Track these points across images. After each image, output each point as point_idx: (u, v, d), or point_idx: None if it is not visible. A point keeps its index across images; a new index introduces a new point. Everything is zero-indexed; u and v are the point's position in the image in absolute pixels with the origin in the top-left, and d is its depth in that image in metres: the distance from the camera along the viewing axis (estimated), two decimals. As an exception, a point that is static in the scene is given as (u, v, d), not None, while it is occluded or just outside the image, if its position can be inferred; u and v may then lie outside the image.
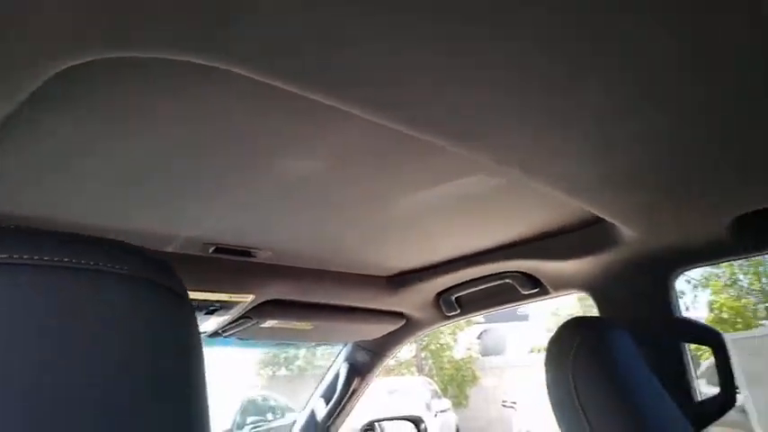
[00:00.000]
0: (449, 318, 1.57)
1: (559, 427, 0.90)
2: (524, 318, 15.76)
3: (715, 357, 1.17)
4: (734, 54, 0.56)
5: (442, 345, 11.35)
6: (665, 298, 1.27)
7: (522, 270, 1.41)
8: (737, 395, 1.21)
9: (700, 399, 1.21)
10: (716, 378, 1.20)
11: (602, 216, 1.05)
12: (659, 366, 0.95)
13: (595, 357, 0.88)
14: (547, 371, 0.93)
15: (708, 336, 1.20)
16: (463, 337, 11.46)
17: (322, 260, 1.25)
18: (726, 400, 1.15)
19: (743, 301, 11.38)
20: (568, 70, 0.57)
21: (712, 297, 11.93)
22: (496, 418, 9.98)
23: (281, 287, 1.25)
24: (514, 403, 7.21)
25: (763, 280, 12.33)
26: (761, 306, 11.50)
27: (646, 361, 0.93)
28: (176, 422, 0.35)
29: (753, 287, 12.10)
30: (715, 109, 0.67)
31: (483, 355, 11.70)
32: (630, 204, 1.00)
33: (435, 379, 10.67)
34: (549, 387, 0.92)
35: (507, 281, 1.43)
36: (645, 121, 0.68)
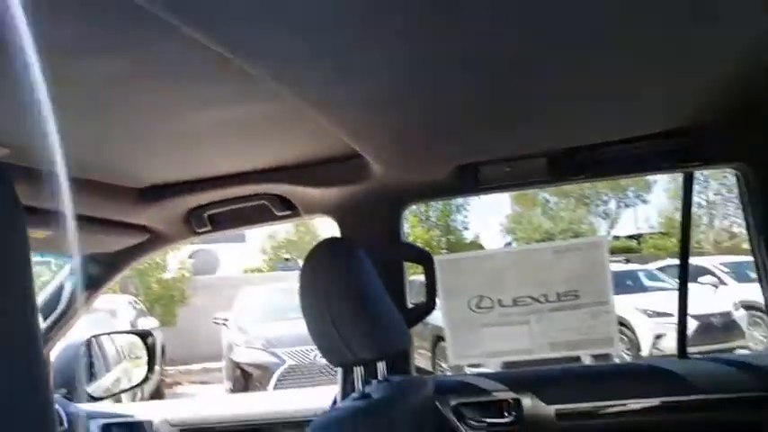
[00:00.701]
0: (198, 233, 1.60)
1: (311, 335, 1.07)
2: (241, 239, 16.12)
3: (425, 273, 1.51)
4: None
5: (150, 264, 10.88)
6: (395, 226, 1.57)
7: (277, 193, 1.53)
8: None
9: (410, 305, 1.56)
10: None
11: (355, 148, 1.24)
12: (386, 280, 1.20)
13: (342, 274, 1.07)
14: (301, 286, 1.08)
15: (423, 257, 1.54)
16: (173, 256, 11.19)
17: (68, 166, 1.15)
18: (429, 306, 1.51)
19: (430, 233, 13.95)
20: None
21: (410, 230, 14.25)
22: (206, 335, 10.21)
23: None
24: (226, 320, 7.47)
25: (448, 218, 15.24)
26: (443, 238, 14.27)
27: (377, 275, 1.16)
28: None
29: (439, 222, 14.98)
30: (450, 67, 0.86)
31: (195, 275, 11.65)
32: (380, 140, 1.21)
33: (141, 298, 10.24)
34: (303, 300, 1.07)
35: (263, 202, 1.53)
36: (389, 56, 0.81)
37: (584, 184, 16.41)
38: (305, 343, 5.89)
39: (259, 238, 15.85)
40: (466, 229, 15.73)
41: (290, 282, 8.22)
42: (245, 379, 6.02)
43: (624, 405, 1.42)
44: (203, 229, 1.58)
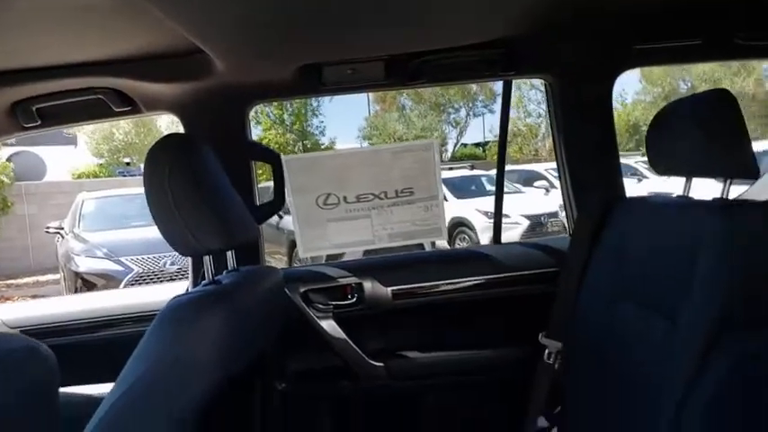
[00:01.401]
0: (26, 128, 1.51)
1: (159, 228, 1.11)
2: (72, 141, 14.59)
3: (273, 172, 1.60)
4: None
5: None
6: (241, 124, 1.61)
7: (114, 87, 1.48)
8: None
9: (259, 203, 1.65)
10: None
11: (197, 42, 1.24)
12: (233, 178, 1.26)
13: (187, 168, 1.10)
14: (146, 180, 1.11)
15: (270, 155, 1.61)
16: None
17: None
18: (277, 203, 1.61)
19: (285, 137, 13.79)
20: None
21: (263, 133, 13.92)
22: (36, 246, 9.41)
23: None
24: (61, 229, 6.95)
25: (303, 122, 15.07)
26: (299, 143, 14.18)
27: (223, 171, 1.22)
28: None
29: (295, 127, 14.79)
30: None
31: (18, 181, 10.46)
32: (222, 35, 1.22)
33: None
34: (148, 194, 1.10)
35: (99, 96, 1.47)
36: None
37: (438, 92, 17.12)
38: (153, 251, 5.74)
39: (93, 140, 14.45)
40: (322, 133, 15.80)
41: (133, 188, 7.76)
42: (88, 289, 5.77)
43: (448, 284, 1.68)
44: (31, 124, 1.49)
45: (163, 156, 1.07)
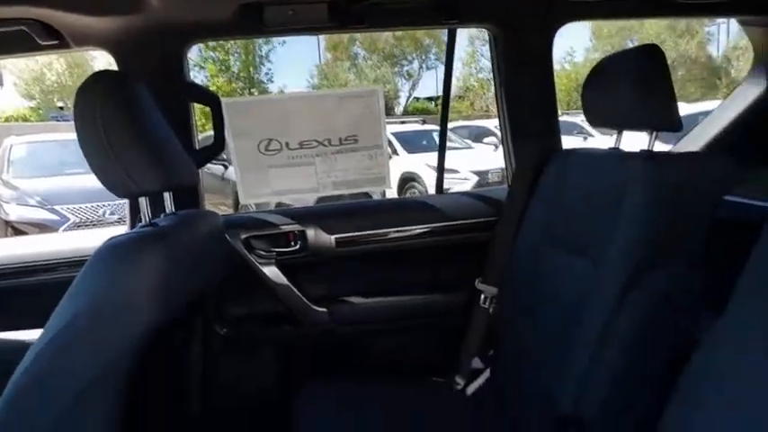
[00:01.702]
0: (-60, 60, 1.41)
1: (92, 168, 1.08)
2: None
3: (212, 115, 1.56)
4: None
5: None
6: (179, 64, 1.56)
7: (39, 18, 1.39)
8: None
9: (198, 147, 1.62)
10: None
11: None
12: (171, 120, 1.24)
13: (120, 104, 1.07)
14: (77, 118, 1.07)
15: (209, 98, 1.57)
16: None
17: None
18: (217, 147, 1.59)
19: (232, 85, 13.35)
20: None
21: (209, 81, 13.42)
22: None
23: None
24: None
25: (251, 69, 14.59)
26: (246, 90, 13.77)
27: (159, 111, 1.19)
28: None
29: (242, 74, 14.31)
30: None
31: None
32: None
33: None
34: (79, 132, 1.07)
35: (22, 28, 1.39)
36: None
37: (392, 42, 16.86)
38: (92, 199, 5.54)
39: (22, 81, 13.56)
40: (271, 81, 15.38)
41: (67, 133, 7.38)
42: (19, 239, 5.54)
43: (391, 232, 1.72)
44: None
45: (95, 91, 1.03)
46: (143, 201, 1.13)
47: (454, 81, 19.16)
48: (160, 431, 1.35)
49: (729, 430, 0.71)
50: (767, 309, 0.72)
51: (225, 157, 4.02)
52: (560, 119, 1.73)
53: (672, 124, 1.18)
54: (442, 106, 1.89)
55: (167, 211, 1.26)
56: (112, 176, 1.05)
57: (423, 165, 7.70)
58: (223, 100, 1.56)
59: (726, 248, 0.88)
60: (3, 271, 1.66)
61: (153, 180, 1.06)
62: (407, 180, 7.85)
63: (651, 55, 1.14)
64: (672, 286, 1.07)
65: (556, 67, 1.74)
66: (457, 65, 20.01)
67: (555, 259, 1.33)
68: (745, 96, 1.77)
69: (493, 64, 1.71)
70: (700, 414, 0.76)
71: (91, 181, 1.08)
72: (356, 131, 1.65)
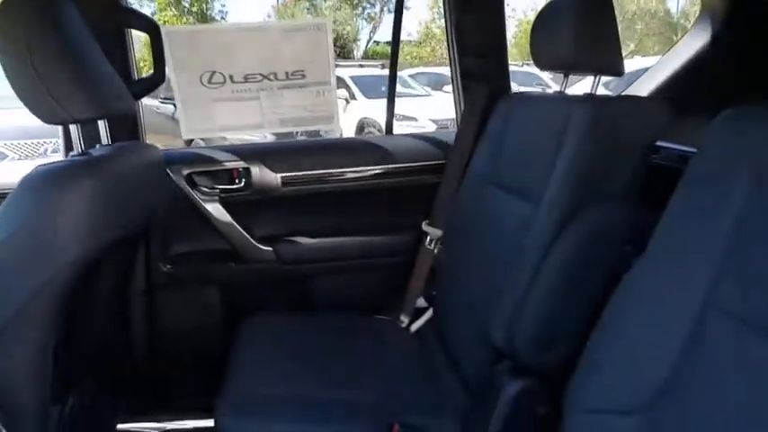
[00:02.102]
0: None
1: (17, 93, 1.02)
2: None
3: (151, 44, 1.49)
4: None
5: None
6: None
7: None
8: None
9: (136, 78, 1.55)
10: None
11: None
12: (107, 47, 1.17)
13: (48, 24, 1.00)
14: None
15: (147, 25, 1.50)
16: None
17: None
18: (157, 78, 1.52)
19: (182, 19, 12.74)
20: None
21: (157, 14, 12.78)
22: None
23: None
24: None
25: (204, 4, 13.97)
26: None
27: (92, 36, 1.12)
28: None
29: (194, 8, 13.69)
30: None
31: None
32: None
33: None
34: (3, 54, 1.00)
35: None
36: None
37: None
38: (31, 136, 5.28)
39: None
40: (224, 18, 14.74)
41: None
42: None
43: (338, 173, 1.71)
44: None
45: (19, 9, 0.97)
46: (74, 129, 1.09)
47: (416, 26, 18.87)
48: (102, 368, 1.35)
49: (647, 350, 0.76)
50: (678, 250, 0.76)
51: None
52: (520, 69, 1.74)
53: (615, 70, 1.20)
54: (393, 46, 1.86)
55: (103, 140, 1.22)
56: (40, 102, 1.00)
57: (381, 110, 7.61)
58: (163, 28, 1.49)
59: (656, 193, 0.92)
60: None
61: (83, 106, 1.02)
62: (365, 126, 7.78)
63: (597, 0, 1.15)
64: (603, 225, 1.11)
65: (519, 16, 1.73)
66: (421, 8, 19.63)
67: (497, 200, 1.36)
68: (691, 45, 1.80)
69: (444, 5, 1.68)
70: (620, 340, 0.82)
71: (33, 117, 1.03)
72: (303, 66, 1.61)
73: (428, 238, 1.68)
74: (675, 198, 0.79)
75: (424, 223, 1.70)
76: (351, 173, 1.72)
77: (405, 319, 1.70)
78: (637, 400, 0.76)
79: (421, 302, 1.73)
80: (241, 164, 1.65)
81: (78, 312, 1.12)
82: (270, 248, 1.69)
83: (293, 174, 1.68)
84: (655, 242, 0.80)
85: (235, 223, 1.66)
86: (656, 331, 0.76)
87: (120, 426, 1.61)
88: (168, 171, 1.58)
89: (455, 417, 1.23)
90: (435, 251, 1.66)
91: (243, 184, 1.66)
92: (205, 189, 1.64)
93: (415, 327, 1.68)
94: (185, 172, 1.61)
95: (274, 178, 1.66)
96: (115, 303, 1.42)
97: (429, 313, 1.68)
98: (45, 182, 1.00)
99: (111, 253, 1.17)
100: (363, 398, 1.24)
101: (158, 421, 1.70)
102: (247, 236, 1.67)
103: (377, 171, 1.74)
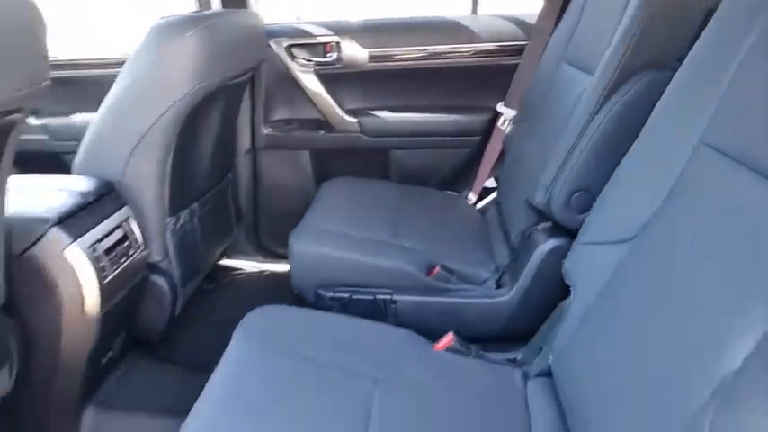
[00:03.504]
0: None
1: None
2: None
3: None
4: None
5: None
6: None
7: None
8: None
9: None
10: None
11: None
12: None
13: None
14: None
15: None
16: None
17: None
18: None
19: None
20: None
21: None
22: None
23: None
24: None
25: None
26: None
27: None
28: None
29: None
30: None
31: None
32: None
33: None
34: None
35: None
36: None
37: None
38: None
39: None
40: None
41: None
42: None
43: (423, 50, 1.84)
44: None
45: None
46: None
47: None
48: (210, 203, 1.65)
49: (642, 187, 0.86)
50: (685, 95, 0.84)
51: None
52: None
53: None
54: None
55: (213, 8, 1.45)
56: None
57: None
58: None
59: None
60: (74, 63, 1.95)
61: None
62: None
63: None
64: (650, 93, 1.16)
65: None
66: None
67: (565, 77, 1.42)
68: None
69: None
70: (623, 181, 0.93)
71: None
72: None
73: (502, 118, 1.79)
74: (692, 52, 0.86)
75: (499, 104, 1.80)
76: (434, 51, 1.84)
77: (472, 197, 1.85)
78: (626, 232, 0.88)
79: (491, 183, 1.86)
80: (334, 38, 1.82)
81: (189, 142, 1.39)
82: (355, 120, 1.89)
83: (380, 50, 1.83)
84: (668, 90, 0.88)
85: (326, 94, 1.87)
86: (653, 170, 0.85)
87: (219, 261, 1.96)
88: (271, 43, 1.81)
89: (492, 268, 1.40)
90: (507, 131, 1.77)
91: (335, 57, 1.84)
92: (302, 61, 1.85)
93: (480, 204, 1.83)
94: (286, 44, 1.83)
95: (363, 53, 1.83)
96: (220, 154, 1.69)
97: (495, 194, 1.81)
98: (161, 33, 1.26)
99: (216, 96, 1.43)
100: (416, 245, 1.44)
101: (255, 260, 2.05)
102: (336, 107, 1.88)
103: (459, 51, 1.84)
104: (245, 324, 1.03)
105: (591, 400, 0.79)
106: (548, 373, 0.98)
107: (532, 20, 1.78)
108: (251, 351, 0.97)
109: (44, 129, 1.97)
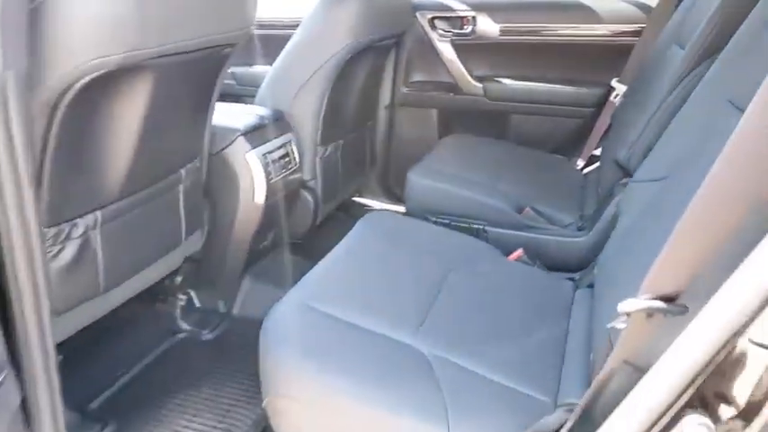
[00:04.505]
0: None
1: None
2: None
3: None
4: None
5: None
6: None
7: None
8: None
9: None
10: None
11: None
12: None
13: None
14: None
15: None
16: None
17: None
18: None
19: None
20: None
21: None
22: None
23: None
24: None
25: None
26: None
27: None
28: None
29: None
30: None
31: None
32: None
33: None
34: None
35: None
36: None
37: None
38: None
39: None
40: None
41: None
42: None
43: (548, 27, 2.06)
44: None
45: None
46: None
47: None
48: (354, 145, 2.03)
49: (679, 135, 1.07)
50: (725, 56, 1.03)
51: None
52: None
53: None
54: None
55: None
56: None
57: None
58: None
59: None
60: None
61: None
62: None
63: None
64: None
65: None
66: None
67: (671, 56, 1.59)
68: None
69: None
70: (669, 133, 1.13)
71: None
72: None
73: (614, 93, 1.96)
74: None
75: (614, 80, 1.97)
76: (557, 29, 2.06)
77: (580, 163, 2.05)
78: (660, 172, 1.09)
79: (598, 152, 2.05)
80: (471, 13, 2.11)
81: (340, 89, 1.78)
82: (480, 85, 2.17)
83: (510, 25, 2.08)
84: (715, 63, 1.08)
85: (458, 61, 2.17)
86: (685, 124, 1.06)
87: (353, 198, 2.36)
88: (417, 15, 2.14)
89: (577, 216, 1.62)
90: (616, 104, 1.95)
91: (470, 30, 2.13)
92: (441, 31, 2.16)
93: (586, 170, 2.03)
94: (429, 16, 2.15)
95: (495, 28, 2.10)
96: (364, 104, 2.06)
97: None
98: None
99: (364, 54, 1.79)
100: (513, 189, 1.70)
101: (381, 201, 2.42)
102: (466, 73, 2.18)
103: (581, 30, 2.03)
104: (364, 220, 1.38)
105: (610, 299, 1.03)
106: (593, 285, 1.22)
107: (652, 2, 1.93)
108: (363, 237, 1.32)
109: (231, 75, 2.49)
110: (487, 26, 2.11)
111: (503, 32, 2.10)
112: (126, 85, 1.00)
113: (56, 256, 1.03)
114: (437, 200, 1.68)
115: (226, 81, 2.47)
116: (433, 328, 1.01)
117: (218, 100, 1.45)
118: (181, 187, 1.32)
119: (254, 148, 1.51)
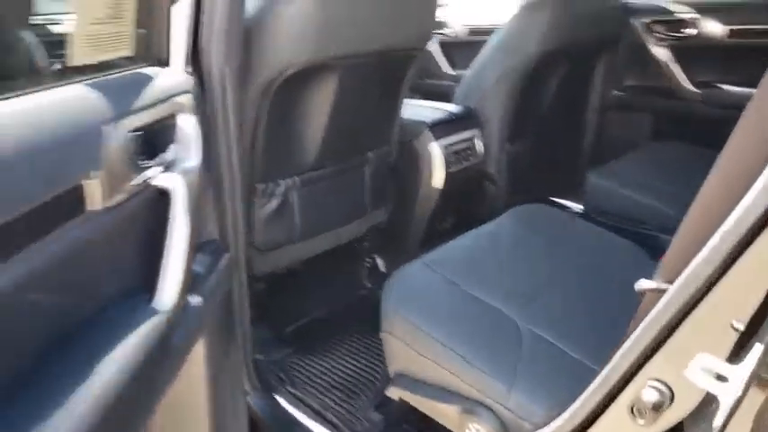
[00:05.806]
0: None
1: None
2: None
3: None
4: None
5: None
6: None
7: None
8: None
9: None
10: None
11: None
12: None
13: None
14: None
15: None
16: None
17: None
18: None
19: None
20: None
21: None
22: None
23: None
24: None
25: None
26: None
27: None
28: None
29: None
30: None
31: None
32: None
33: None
34: None
35: None
36: None
37: None
38: None
39: None
40: None
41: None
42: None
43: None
44: None
45: None
46: None
47: None
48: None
49: None
50: None
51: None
52: None
53: None
54: None
55: None
56: None
57: None
58: None
59: None
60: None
61: None
62: None
63: None
64: None
65: None
66: None
67: None
68: None
69: None
70: None
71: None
72: None
73: None
74: None
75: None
76: None
77: None
78: None
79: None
80: (692, 15, 2.00)
81: (530, 93, 1.88)
82: (699, 91, 2.04)
83: (741, 27, 1.92)
84: None
85: (677, 66, 2.08)
86: None
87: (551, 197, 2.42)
88: (631, 20, 2.12)
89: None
90: None
91: (692, 32, 2.02)
92: (659, 35, 2.09)
93: None
94: (645, 20, 2.10)
95: (723, 30, 1.96)
96: (560, 111, 2.11)
97: None
98: (524, 5, 1.77)
99: (560, 59, 1.87)
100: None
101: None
102: (684, 77, 2.07)
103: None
104: (516, 209, 1.50)
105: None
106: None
107: None
108: (506, 223, 1.43)
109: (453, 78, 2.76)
110: (714, 28, 1.98)
111: (733, 34, 1.95)
112: (318, 79, 1.30)
113: (263, 206, 1.38)
114: (612, 202, 1.70)
115: (446, 83, 2.79)
116: (541, 309, 1.11)
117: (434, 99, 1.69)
118: (367, 167, 1.62)
119: (438, 139, 1.74)
